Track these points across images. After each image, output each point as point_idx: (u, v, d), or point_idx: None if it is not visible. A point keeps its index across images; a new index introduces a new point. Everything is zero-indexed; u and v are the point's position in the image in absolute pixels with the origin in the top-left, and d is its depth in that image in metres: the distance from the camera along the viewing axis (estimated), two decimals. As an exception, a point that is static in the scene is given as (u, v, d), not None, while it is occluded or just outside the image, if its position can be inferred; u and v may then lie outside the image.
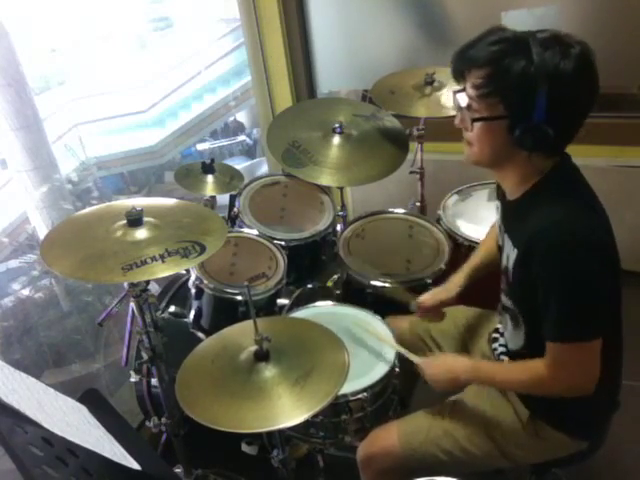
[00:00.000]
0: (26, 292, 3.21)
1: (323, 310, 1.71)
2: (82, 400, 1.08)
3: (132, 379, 1.74)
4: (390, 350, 1.53)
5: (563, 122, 1.10)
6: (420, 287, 1.79)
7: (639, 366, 1.65)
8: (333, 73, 2.89)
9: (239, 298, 1.74)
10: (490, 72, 1.09)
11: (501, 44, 1.09)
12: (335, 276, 2.06)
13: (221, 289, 1.75)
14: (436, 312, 1.58)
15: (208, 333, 1.74)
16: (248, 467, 1.85)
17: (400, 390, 1.57)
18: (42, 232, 3.30)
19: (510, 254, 1.23)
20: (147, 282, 1.41)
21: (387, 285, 1.79)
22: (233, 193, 2.08)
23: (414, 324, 1.67)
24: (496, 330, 1.48)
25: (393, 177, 2.00)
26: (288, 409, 1.14)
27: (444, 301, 1.55)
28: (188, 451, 1.73)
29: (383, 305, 1.73)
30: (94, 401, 1.10)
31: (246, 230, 1.97)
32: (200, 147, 6.77)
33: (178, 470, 1.77)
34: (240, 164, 5.38)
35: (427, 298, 1.57)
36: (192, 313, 1.83)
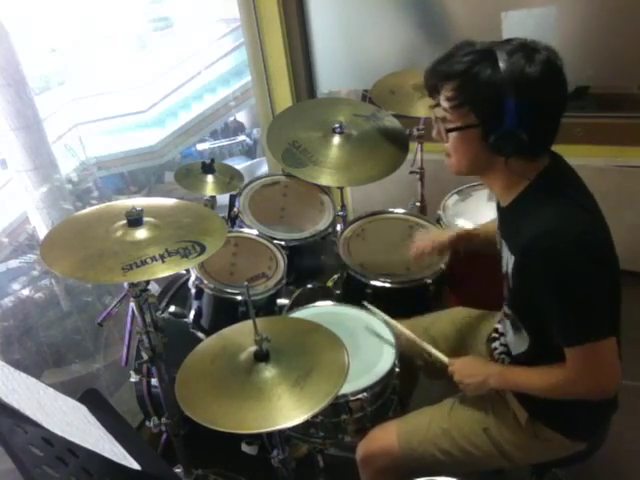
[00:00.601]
0: (26, 292, 3.21)
1: (323, 310, 1.71)
2: (82, 400, 1.08)
3: (132, 379, 1.74)
4: (390, 350, 1.53)
5: (536, 126, 1.11)
6: (420, 287, 1.80)
7: (639, 366, 1.65)
8: (333, 73, 2.89)
9: (239, 298, 1.74)
10: (460, 83, 1.13)
11: (469, 56, 1.12)
12: (335, 276, 2.06)
13: (221, 289, 1.75)
14: (429, 250, 1.65)
15: (208, 333, 1.74)
16: (248, 467, 1.85)
17: (400, 390, 1.57)
18: (42, 232, 3.31)
19: (509, 260, 1.24)
20: (147, 282, 1.40)
21: (387, 285, 1.79)
22: (233, 193, 2.08)
23: (413, 326, 1.67)
24: (495, 330, 1.49)
25: (393, 177, 1.99)
26: (288, 409, 1.14)
27: (436, 240, 1.63)
28: (188, 451, 1.73)
29: (383, 305, 1.73)
30: (94, 401, 1.10)
31: (246, 230, 1.97)
32: (200, 147, 6.78)
33: (178, 470, 1.77)
34: (240, 164, 5.39)
35: (421, 237, 1.66)
36: (192, 313, 1.83)
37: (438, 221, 2.06)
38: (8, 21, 2.96)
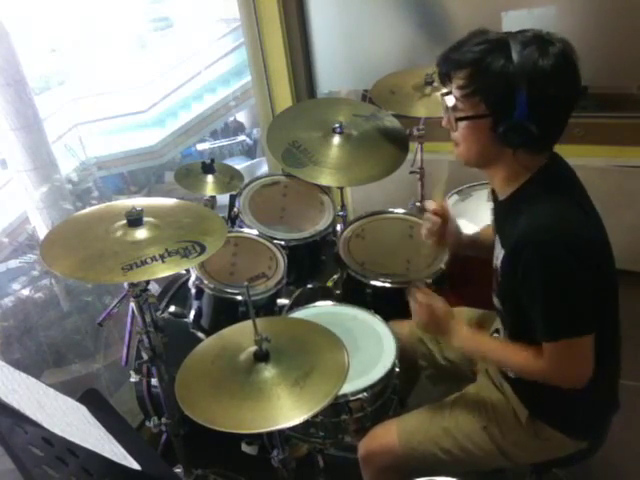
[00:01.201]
0: (26, 292, 3.22)
1: (323, 310, 1.71)
2: (82, 400, 1.08)
3: (132, 379, 1.74)
4: (390, 350, 1.53)
5: (546, 119, 1.11)
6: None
7: (639, 366, 1.65)
8: (333, 73, 2.89)
9: (239, 298, 1.73)
10: (472, 72, 1.12)
11: (482, 45, 1.11)
12: (335, 276, 2.05)
13: (221, 289, 1.75)
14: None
15: (208, 333, 1.74)
16: (248, 467, 1.85)
17: (400, 390, 1.57)
18: (42, 232, 3.31)
19: (499, 254, 1.25)
20: (147, 282, 1.41)
21: (387, 285, 1.79)
22: (233, 193, 2.08)
23: (414, 327, 1.67)
24: (496, 330, 1.49)
25: (393, 177, 1.99)
26: (288, 409, 1.14)
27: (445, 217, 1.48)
28: (188, 451, 1.73)
29: (383, 305, 1.73)
30: (94, 401, 1.10)
31: (246, 230, 1.97)
32: (200, 147, 6.78)
33: (178, 470, 1.77)
34: (240, 164, 5.39)
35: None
36: (192, 313, 1.83)
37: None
38: (8, 21, 2.97)
